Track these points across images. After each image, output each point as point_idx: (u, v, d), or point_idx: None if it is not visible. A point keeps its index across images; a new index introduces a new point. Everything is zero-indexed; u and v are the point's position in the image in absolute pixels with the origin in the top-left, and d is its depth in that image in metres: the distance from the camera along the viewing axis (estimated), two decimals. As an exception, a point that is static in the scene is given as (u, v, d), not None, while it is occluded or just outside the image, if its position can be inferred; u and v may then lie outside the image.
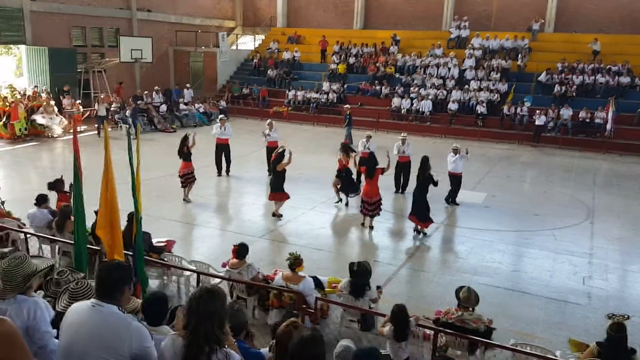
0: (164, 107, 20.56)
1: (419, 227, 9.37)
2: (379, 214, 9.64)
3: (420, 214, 9.29)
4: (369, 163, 9.47)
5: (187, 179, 10.93)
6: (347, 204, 10.93)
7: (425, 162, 9.21)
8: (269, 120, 13.42)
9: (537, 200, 12.06)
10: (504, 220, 10.45)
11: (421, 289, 7.33)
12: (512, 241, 9.35)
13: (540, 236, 9.59)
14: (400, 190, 11.97)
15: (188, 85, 23.05)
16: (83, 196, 5.10)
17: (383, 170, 9.50)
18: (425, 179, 9.14)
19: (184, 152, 10.83)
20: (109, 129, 5.75)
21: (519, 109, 19.72)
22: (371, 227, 9.59)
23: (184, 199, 10.99)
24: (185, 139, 10.94)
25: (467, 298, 5.07)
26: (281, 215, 9.99)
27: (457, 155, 10.88)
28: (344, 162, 10.69)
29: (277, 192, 9.89)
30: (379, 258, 8.34)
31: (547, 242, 9.28)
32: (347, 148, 10.82)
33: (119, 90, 21.73)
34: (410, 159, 11.78)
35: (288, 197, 10.02)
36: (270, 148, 13.03)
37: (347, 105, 17.66)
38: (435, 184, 9.26)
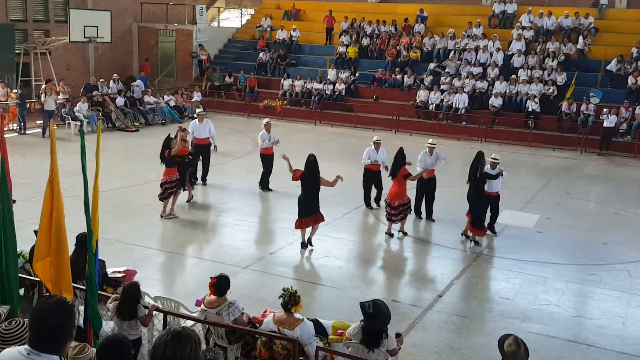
0: (120, 100, 20.68)
1: (472, 234, 10.34)
2: (401, 219, 10.49)
3: (476, 220, 10.20)
4: (395, 159, 10.55)
5: (167, 188, 11.02)
6: (188, 200, 11.98)
7: (480, 157, 10.20)
8: (266, 120, 13.29)
9: (606, 224, 12.04)
10: (562, 250, 10.43)
11: (455, 339, 7.30)
12: (574, 277, 9.34)
13: (610, 271, 9.56)
14: (425, 216, 11.69)
15: (140, 76, 23.25)
16: (13, 212, 5.12)
17: (408, 175, 10.39)
18: (480, 177, 10.08)
19: (166, 156, 11.00)
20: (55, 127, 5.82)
21: (582, 107, 19.77)
22: (404, 233, 10.71)
23: (161, 216, 11.11)
24: (169, 140, 11.10)
25: (515, 352, 5.03)
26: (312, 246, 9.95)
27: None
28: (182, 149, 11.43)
29: (315, 213, 9.75)
30: (399, 297, 8.33)
31: (619, 280, 9.24)
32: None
33: (146, 67, 22.17)
34: (434, 173, 11.58)
35: (323, 219, 10.00)
36: (266, 156, 13.01)
37: (195, 99, 17.85)
38: (495, 176, 10.44)
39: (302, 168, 9.76)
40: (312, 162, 9.70)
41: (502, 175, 10.91)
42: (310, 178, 9.65)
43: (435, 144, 11.50)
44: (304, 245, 9.97)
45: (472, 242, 10.41)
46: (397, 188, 10.50)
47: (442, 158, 11.39)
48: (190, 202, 12.03)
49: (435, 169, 11.53)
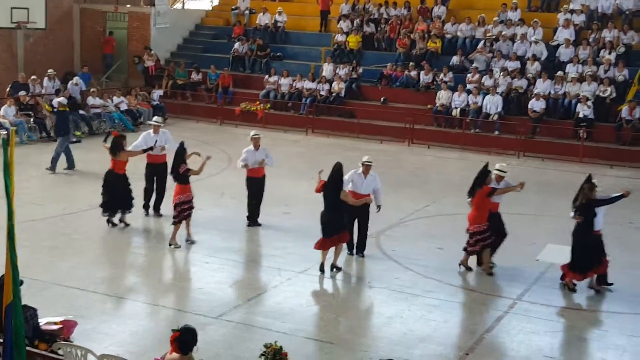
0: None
1: (569, 280, 10.44)
2: (474, 251, 10.84)
3: (577, 263, 10.28)
4: (478, 175, 10.82)
5: (182, 210, 11.43)
6: (122, 222, 12.53)
7: (586, 181, 10.56)
8: (253, 133, 13.00)
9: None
10: (623, 297, 10.42)
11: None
12: (638, 331, 9.30)
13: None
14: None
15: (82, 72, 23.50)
16: None
17: (492, 191, 10.63)
18: (587, 204, 10.31)
19: (179, 173, 11.45)
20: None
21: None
22: (486, 270, 10.94)
23: (170, 244, 11.54)
24: (182, 151, 11.47)
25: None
26: (340, 268, 10.84)
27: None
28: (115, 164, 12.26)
29: (341, 231, 10.61)
30: (414, 355, 8.30)
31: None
32: (117, 144, 12.27)
33: (110, 43, 22.68)
34: (499, 206, 11.25)
35: (349, 238, 10.95)
36: (254, 180, 12.82)
37: (60, 99, 17.63)
38: (611, 200, 10.69)
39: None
40: (335, 172, 10.53)
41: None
42: (331, 190, 10.42)
43: (506, 172, 11.24)
44: (322, 269, 10.63)
45: (567, 288, 10.53)
46: (474, 210, 10.87)
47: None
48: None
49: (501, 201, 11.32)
